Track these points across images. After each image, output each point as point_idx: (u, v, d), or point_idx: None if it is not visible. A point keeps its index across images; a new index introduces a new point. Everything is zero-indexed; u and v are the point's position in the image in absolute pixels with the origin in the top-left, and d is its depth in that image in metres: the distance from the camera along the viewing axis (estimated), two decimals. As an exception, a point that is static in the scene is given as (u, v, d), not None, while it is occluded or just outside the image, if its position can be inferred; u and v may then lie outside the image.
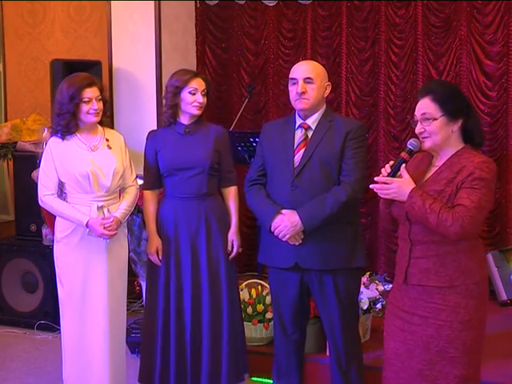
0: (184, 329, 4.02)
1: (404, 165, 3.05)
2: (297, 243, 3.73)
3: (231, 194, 4.11)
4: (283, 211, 3.71)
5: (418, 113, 3.07)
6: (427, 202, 2.95)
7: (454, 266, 3.00)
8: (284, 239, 3.71)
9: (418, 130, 3.06)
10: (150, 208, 4.10)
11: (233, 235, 4.09)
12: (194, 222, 4.02)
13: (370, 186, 3.09)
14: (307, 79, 3.76)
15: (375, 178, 3.08)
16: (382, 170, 3.08)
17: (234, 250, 4.09)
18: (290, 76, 3.81)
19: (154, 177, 4.09)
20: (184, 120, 4.04)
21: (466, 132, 3.07)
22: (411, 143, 3.09)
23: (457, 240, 2.96)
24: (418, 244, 3.06)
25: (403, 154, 3.07)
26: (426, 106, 3.05)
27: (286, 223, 3.68)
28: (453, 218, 2.90)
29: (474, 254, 3.04)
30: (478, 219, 2.95)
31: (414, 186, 3.00)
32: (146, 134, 4.18)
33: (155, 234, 4.07)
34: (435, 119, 3.02)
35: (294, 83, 3.77)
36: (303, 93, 3.74)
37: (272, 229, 3.72)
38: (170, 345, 4.03)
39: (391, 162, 3.09)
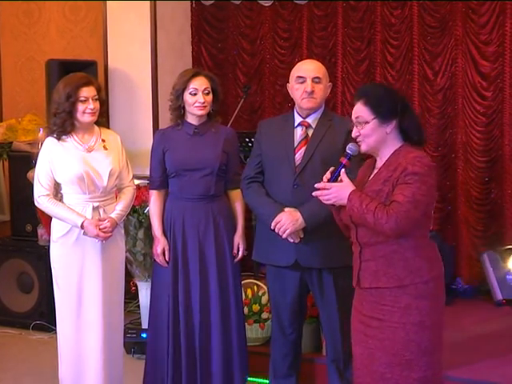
0: (193, 330, 4.00)
1: (343, 169, 3.09)
2: (296, 241, 3.73)
3: (238, 196, 4.07)
4: (285, 209, 3.72)
5: (353, 117, 3.11)
6: (364, 202, 2.98)
7: (402, 265, 3.00)
8: (284, 235, 3.70)
9: (353, 134, 3.11)
10: (157, 208, 4.08)
11: (239, 238, 4.07)
12: (202, 223, 4.00)
13: (313, 194, 3.14)
14: (316, 78, 3.77)
15: (316, 185, 3.12)
16: (324, 176, 3.12)
17: (240, 252, 4.08)
18: (298, 74, 3.79)
19: (161, 177, 4.07)
20: (192, 120, 4.02)
21: (403, 131, 3.08)
22: (350, 148, 3.14)
23: (395, 237, 2.97)
24: (365, 246, 3.08)
25: (342, 159, 3.12)
26: (358, 110, 3.08)
27: (288, 218, 3.68)
28: (387, 214, 2.92)
29: (422, 253, 3.02)
30: (414, 214, 2.94)
31: (353, 188, 3.04)
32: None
33: (162, 235, 4.04)
34: (367, 122, 3.04)
35: (302, 82, 3.77)
36: (312, 92, 3.75)
37: (273, 225, 3.72)
38: (181, 346, 4.01)
39: (331, 168, 3.13)
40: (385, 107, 3.04)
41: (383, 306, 3.03)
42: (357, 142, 3.11)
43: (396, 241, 2.99)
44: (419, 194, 2.94)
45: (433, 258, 3.07)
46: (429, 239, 3.10)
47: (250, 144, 5.22)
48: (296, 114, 3.86)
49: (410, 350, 2.99)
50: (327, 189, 3.08)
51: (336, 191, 3.06)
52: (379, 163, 3.11)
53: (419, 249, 3.03)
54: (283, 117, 4.02)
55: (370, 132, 3.05)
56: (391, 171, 3.01)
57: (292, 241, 3.74)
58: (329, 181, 3.09)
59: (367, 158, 3.28)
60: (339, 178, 3.08)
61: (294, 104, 3.94)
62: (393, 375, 3.02)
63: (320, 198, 3.11)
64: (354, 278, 3.15)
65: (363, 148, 3.10)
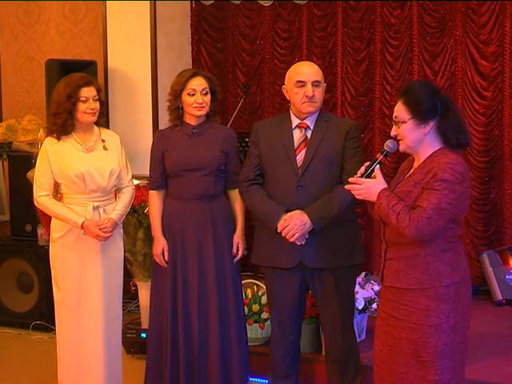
0: (191, 330, 4.00)
1: (378, 166, 3.07)
2: (303, 243, 3.73)
3: (238, 196, 4.06)
4: (289, 213, 3.71)
5: (393, 115, 3.09)
6: (391, 202, 2.97)
7: (422, 269, 2.99)
8: (292, 239, 3.69)
9: (392, 132, 3.09)
10: (156, 208, 4.07)
11: (238, 238, 4.07)
12: (201, 223, 4.00)
13: (345, 187, 3.13)
14: (315, 82, 3.76)
15: (349, 179, 3.11)
16: (358, 171, 3.12)
17: (240, 252, 4.08)
18: (298, 78, 3.77)
19: (160, 177, 4.06)
20: (191, 121, 4.02)
21: (442, 133, 3.04)
22: (388, 145, 3.11)
23: (415, 240, 2.96)
24: (390, 245, 3.10)
25: (378, 156, 3.10)
26: (397, 109, 3.06)
27: (296, 222, 3.68)
28: (409, 219, 2.92)
29: (444, 258, 3.00)
30: (437, 221, 2.91)
31: (385, 186, 3.03)
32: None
33: (161, 235, 4.04)
34: (404, 122, 3.02)
35: (302, 86, 3.75)
36: (313, 96, 3.74)
37: (279, 229, 3.71)
38: (179, 347, 4.00)
39: (367, 163, 3.11)
40: (422, 107, 2.99)
41: (402, 306, 3.03)
42: (397, 141, 3.09)
43: (419, 244, 2.99)
44: (445, 202, 2.90)
45: (456, 264, 3.03)
46: (455, 244, 3.05)
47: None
48: (292, 115, 3.85)
49: (427, 351, 2.99)
50: (359, 184, 3.07)
51: (367, 187, 3.05)
52: (416, 164, 3.09)
53: (442, 254, 3.00)
54: (279, 118, 4.02)
55: (407, 132, 3.02)
56: (424, 174, 2.98)
57: (299, 243, 3.74)
58: (362, 176, 3.08)
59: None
60: (373, 174, 3.07)
61: (293, 104, 3.94)
62: (408, 375, 3.02)
63: (352, 192, 3.10)
64: (378, 275, 3.18)
65: (401, 148, 3.08)
